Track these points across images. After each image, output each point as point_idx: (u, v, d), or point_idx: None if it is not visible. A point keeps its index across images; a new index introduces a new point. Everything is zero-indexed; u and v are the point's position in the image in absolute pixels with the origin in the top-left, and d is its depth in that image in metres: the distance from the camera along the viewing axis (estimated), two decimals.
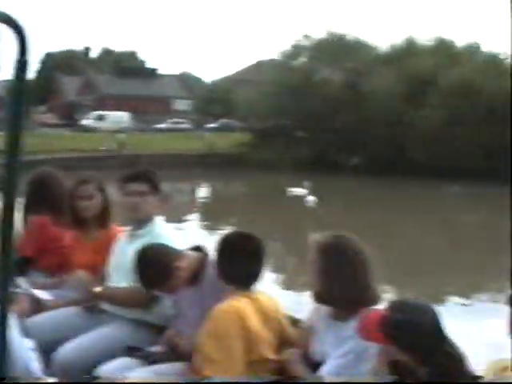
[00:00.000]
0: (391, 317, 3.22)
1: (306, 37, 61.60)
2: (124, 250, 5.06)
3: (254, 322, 4.02)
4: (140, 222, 5.13)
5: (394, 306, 3.28)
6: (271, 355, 4.08)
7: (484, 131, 47.89)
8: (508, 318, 3.12)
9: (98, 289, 5.08)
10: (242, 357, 3.94)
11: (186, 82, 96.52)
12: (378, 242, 11.49)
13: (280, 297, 4.65)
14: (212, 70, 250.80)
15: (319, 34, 63.89)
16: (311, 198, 34.91)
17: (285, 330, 4.27)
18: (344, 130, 53.48)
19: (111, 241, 5.40)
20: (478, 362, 3.48)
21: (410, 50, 56.16)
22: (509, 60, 52.94)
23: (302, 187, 36.85)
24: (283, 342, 4.20)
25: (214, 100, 74.04)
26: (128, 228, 5.27)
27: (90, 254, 5.44)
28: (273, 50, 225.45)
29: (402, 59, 53.93)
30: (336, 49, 58.93)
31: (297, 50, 61.46)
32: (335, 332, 3.90)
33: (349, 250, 3.87)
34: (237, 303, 4.04)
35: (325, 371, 3.81)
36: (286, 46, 63.01)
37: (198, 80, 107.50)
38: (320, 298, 3.95)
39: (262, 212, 34.01)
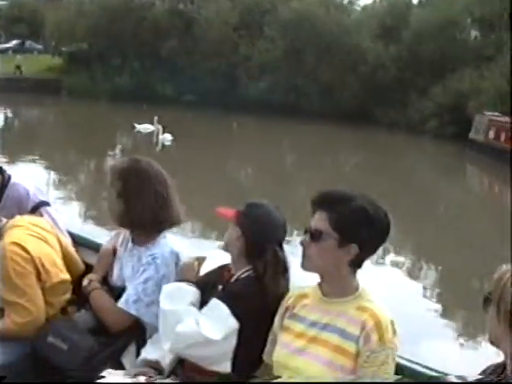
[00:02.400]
0: (250, 209, 3.57)
1: None
2: None
3: (40, 247, 3.98)
4: None
5: (259, 202, 3.64)
6: (63, 275, 4.07)
7: (322, 69, 45.84)
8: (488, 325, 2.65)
9: None
10: (38, 284, 3.91)
11: None
12: None
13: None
14: None
15: None
16: (167, 136, 30.40)
17: (67, 247, 4.27)
18: (170, 58, 49.35)
19: None
20: None
21: None
22: None
23: (144, 121, 32.77)
24: (69, 260, 4.21)
25: (18, 18, 67.06)
26: None
27: None
28: None
29: None
30: None
31: None
32: (135, 257, 4.01)
33: (146, 173, 3.94)
34: (18, 236, 3.95)
35: (124, 297, 3.87)
36: None
37: None
38: (120, 221, 4.00)
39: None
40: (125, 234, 4.13)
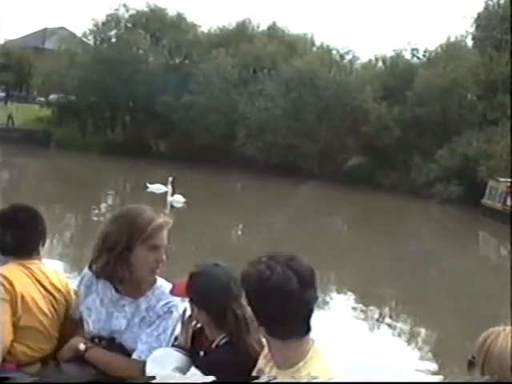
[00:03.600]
0: (192, 281, 3.62)
1: (125, 6, 55.35)
2: None
3: (27, 287, 3.97)
4: None
5: (196, 269, 3.65)
6: (47, 326, 4.04)
7: (321, 129, 44.92)
8: None
9: None
10: (10, 319, 3.89)
11: None
12: None
13: None
14: None
15: (136, 4, 58.11)
16: (178, 198, 29.01)
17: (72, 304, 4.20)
18: (165, 114, 48.13)
19: None
20: None
21: (242, 34, 51.65)
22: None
23: (159, 181, 31.20)
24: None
25: (4, 66, 65.69)
26: None
27: None
28: (61, 17, 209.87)
29: (236, 43, 49.41)
30: (156, 24, 53.49)
31: (112, 20, 54.80)
32: (125, 307, 3.99)
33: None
34: (8, 270, 4.00)
35: (143, 348, 3.89)
36: (100, 16, 56.59)
37: None
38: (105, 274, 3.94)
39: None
40: (86, 278, 4.10)
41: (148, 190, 31.21)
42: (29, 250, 4.11)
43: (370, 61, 51.68)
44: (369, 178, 43.81)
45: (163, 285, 4.00)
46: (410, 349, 14.40)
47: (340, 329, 14.05)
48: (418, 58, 49.60)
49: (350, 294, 18.99)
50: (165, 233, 3.87)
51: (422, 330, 16.03)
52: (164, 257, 3.86)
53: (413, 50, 49.35)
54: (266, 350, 3.26)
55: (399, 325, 15.95)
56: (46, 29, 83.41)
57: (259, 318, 3.09)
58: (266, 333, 3.09)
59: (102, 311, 4.02)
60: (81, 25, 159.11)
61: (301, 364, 3.03)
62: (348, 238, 27.90)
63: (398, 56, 50.11)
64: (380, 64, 51.15)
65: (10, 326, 3.88)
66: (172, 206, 28.23)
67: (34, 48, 73.85)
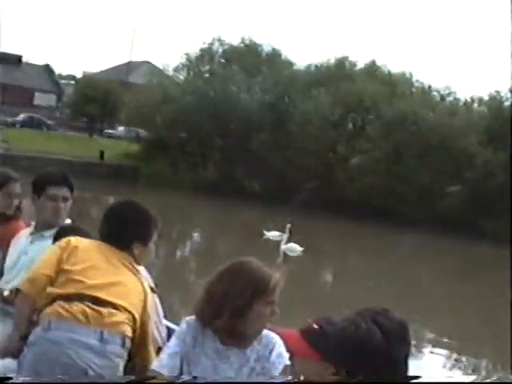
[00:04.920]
0: (321, 330, 3.19)
1: (219, 40, 54.60)
2: (25, 249, 5.03)
3: (91, 257, 4.15)
4: (48, 224, 5.10)
5: (320, 320, 3.27)
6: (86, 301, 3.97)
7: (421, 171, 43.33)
8: None
9: None
10: (55, 265, 4.09)
11: (52, 74, 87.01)
12: None
13: None
14: (74, 63, 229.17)
15: (231, 39, 57.39)
16: (293, 247, 27.39)
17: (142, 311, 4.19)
18: (259, 153, 47.05)
19: (14, 234, 5.30)
20: None
21: (341, 72, 50.41)
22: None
23: (274, 228, 29.77)
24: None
25: (90, 98, 65.54)
26: (31, 227, 5.21)
27: None
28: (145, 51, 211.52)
29: (335, 82, 48.11)
30: (250, 59, 52.59)
31: (206, 55, 54.12)
32: (232, 358, 3.98)
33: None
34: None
35: None
36: (193, 49, 56.06)
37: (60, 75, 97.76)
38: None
39: None
40: (193, 329, 4.03)
41: (264, 237, 29.69)
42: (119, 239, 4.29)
43: (473, 102, 49.87)
44: (470, 225, 42.02)
45: (269, 334, 4.03)
46: None
47: None
48: None
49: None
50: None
51: None
52: (277, 310, 3.94)
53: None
54: None
55: None
56: (130, 62, 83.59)
57: (338, 371, 2.96)
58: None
59: (207, 364, 3.98)
60: (165, 59, 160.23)
61: None
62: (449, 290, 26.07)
63: (498, 97, 48.43)
64: (480, 106, 49.30)
65: (51, 264, 4.13)
66: (285, 256, 26.88)
67: (118, 81, 73.81)
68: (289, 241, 27.82)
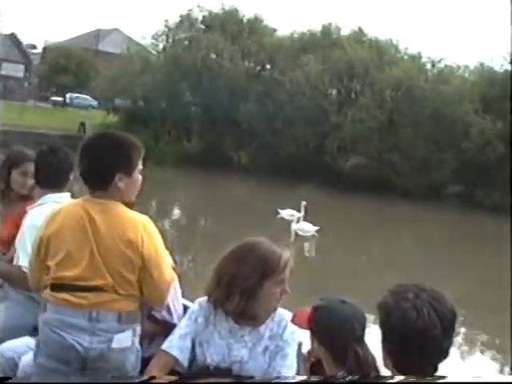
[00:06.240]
0: (316, 315, 3.58)
1: (199, 7, 52.79)
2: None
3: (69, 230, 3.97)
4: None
5: (321, 303, 3.64)
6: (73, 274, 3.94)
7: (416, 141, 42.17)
8: None
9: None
10: (39, 266, 4.06)
11: (19, 44, 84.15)
12: None
13: None
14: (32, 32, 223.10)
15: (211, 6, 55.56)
16: (306, 226, 25.73)
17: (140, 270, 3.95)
18: (246, 124, 45.47)
19: None
20: None
21: (328, 39, 48.93)
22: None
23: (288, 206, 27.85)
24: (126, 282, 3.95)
25: (63, 69, 63.30)
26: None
27: (11, 227, 5.24)
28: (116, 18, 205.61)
29: (323, 49, 46.50)
30: (232, 27, 50.93)
31: (186, 21, 52.21)
32: (245, 337, 4.03)
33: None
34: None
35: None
36: (172, 17, 54.25)
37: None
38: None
39: None
40: (205, 310, 4.10)
41: (279, 216, 27.83)
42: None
43: (466, 69, 48.62)
44: (468, 196, 40.97)
45: (283, 313, 4.08)
46: None
47: None
48: None
49: None
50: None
51: None
52: (288, 289, 3.94)
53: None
54: None
55: None
56: (99, 30, 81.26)
57: (390, 354, 2.94)
58: (393, 366, 2.95)
59: (221, 344, 4.00)
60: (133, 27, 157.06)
61: None
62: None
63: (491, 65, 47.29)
64: (477, 73, 48.01)
65: (36, 266, 4.11)
66: (296, 235, 25.35)
67: (86, 50, 71.71)
68: (305, 220, 26.24)
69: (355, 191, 38.93)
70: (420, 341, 2.82)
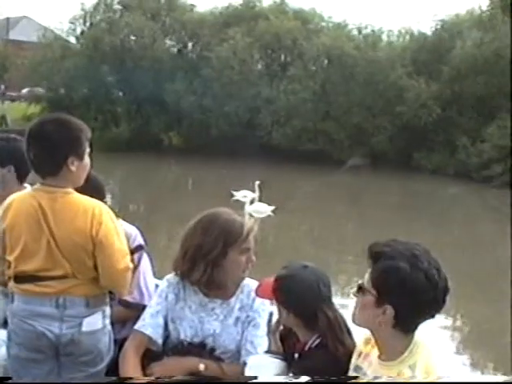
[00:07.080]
0: (281, 283, 3.59)
1: None
2: None
3: (23, 221, 3.94)
4: None
5: (285, 272, 3.63)
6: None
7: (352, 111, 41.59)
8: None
9: None
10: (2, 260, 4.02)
11: None
12: None
13: None
14: None
15: None
16: (261, 207, 24.44)
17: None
18: (174, 103, 44.29)
19: None
20: None
21: (251, 11, 47.85)
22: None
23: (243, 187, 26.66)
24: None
25: None
26: None
27: None
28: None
29: (247, 21, 45.47)
30: (149, 4, 49.79)
31: (102, 3, 50.56)
32: (216, 310, 4.09)
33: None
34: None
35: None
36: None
37: None
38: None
39: None
40: (174, 286, 4.15)
41: (233, 198, 26.47)
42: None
43: (391, 34, 48.15)
44: (406, 160, 40.53)
45: (250, 284, 4.13)
46: None
47: None
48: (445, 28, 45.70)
49: None
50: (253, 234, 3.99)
51: None
52: (254, 257, 4.00)
53: (440, 20, 45.53)
54: (360, 347, 3.30)
55: None
56: (8, 18, 78.57)
57: (399, 315, 2.96)
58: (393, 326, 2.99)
59: (193, 318, 4.08)
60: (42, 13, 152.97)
61: (406, 354, 2.99)
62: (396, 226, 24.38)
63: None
64: (407, 38, 47.60)
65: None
66: (251, 217, 24.20)
67: None
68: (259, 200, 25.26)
69: (293, 164, 38.22)
70: (442, 296, 2.93)
